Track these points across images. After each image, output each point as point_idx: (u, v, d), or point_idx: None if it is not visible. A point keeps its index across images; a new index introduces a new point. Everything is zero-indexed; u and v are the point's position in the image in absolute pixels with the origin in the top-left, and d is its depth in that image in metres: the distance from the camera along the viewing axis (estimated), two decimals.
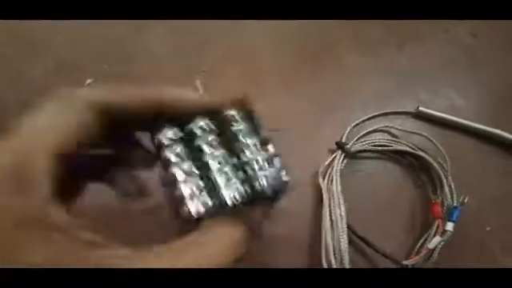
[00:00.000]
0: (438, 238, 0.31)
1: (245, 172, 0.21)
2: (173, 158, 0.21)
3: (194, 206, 0.20)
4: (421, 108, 0.38)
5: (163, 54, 0.44)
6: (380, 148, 0.37)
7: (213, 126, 0.22)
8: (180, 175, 0.21)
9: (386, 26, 0.46)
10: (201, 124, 0.22)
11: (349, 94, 0.41)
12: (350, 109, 0.39)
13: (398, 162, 0.37)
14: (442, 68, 0.43)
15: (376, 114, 0.39)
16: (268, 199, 0.22)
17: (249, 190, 0.21)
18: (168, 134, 0.22)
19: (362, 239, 0.32)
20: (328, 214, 0.32)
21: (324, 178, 0.35)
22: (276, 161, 0.22)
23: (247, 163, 0.22)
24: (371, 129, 0.38)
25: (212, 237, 0.19)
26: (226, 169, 0.22)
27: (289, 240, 0.34)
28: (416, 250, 0.32)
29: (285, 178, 0.22)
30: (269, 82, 0.42)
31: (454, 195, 0.33)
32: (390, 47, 0.44)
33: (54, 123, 0.18)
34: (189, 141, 0.22)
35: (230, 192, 0.21)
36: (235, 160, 0.22)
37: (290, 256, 0.33)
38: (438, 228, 0.32)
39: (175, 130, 0.22)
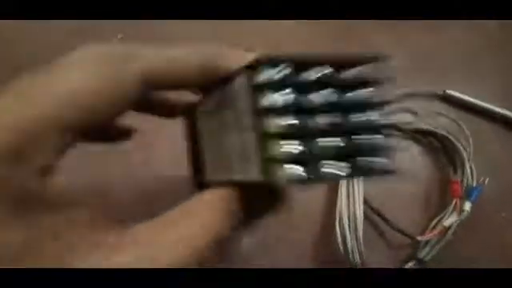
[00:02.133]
0: (454, 217, 0.31)
1: (352, 143, 0.17)
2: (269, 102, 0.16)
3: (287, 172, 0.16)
4: (448, 91, 0.38)
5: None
6: (402, 126, 0.37)
7: (329, 75, 0.18)
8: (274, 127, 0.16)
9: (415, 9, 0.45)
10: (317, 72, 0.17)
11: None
12: None
13: (419, 141, 0.37)
14: (469, 55, 0.42)
15: (400, 93, 0.39)
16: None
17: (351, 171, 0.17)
18: (274, 74, 0.16)
19: (378, 213, 0.33)
20: (345, 188, 0.33)
21: None
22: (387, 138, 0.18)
23: (359, 134, 0.18)
24: (394, 107, 0.38)
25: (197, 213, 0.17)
26: (331, 137, 0.17)
27: (304, 210, 0.34)
28: (431, 227, 0.32)
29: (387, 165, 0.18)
30: None
31: (475, 176, 0.33)
32: (419, 31, 0.44)
33: (84, 87, 0.15)
34: (296, 87, 0.17)
35: (328, 167, 0.17)
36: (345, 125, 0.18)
37: (305, 225, 0.34)
38: (455, 207, 0.32)
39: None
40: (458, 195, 0.32)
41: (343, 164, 0.17)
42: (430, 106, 0.38)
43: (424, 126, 0.36)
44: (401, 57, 0.42)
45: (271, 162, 0.16)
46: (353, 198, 0.32)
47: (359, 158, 0.18)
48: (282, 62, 0.16)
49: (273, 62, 0.16)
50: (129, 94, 0.16)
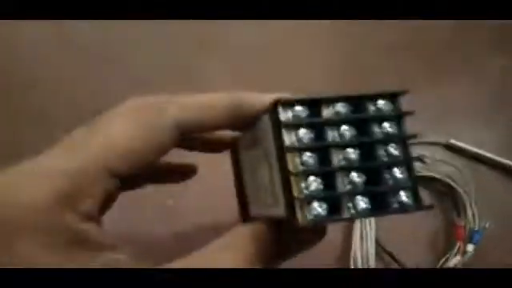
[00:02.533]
0: (458, 258, 0.35)
1: (375, 179, 0.18)
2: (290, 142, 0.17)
3: (309, 213, 0.16)
4: (451, 140, 0.42)
5: (223, 81, 0.51)
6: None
7: (348, 112, 0.18)
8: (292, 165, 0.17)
9: (419, 61, 0.50)
10: (337, 109, 0.18)
11: None
12: None
13: (426, 187, 0.41)
14: (472, 105, 0.46)
15: (410, 142, 0.43)
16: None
17: (373, 211, 0.17)
18: (294, 114, 0.17)
19: (388, 253, 0.36)
20: (359, 229, 0.37)
21: None
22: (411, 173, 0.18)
23: (382, 170, 0.18)
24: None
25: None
26: (354, 173, 0.17)
27: (320, 251, 0.38)
28: (437, 267, 0.36)
29: (413, 202, 0.18)
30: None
31: (477, 220, 0.36)
32: (426, 82, 0.48)
33: (128, 136, 0.18)
34: (316, 125, 0.17)
35: (351, 202, 0.17)
36: (367, 162, 0.18)
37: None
38: (459, 249, 0.35)
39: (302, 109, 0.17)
40: (461, 238, 0.36)
41: (366, 201, 0.17)
42: (435, 153, 0.42)
43: (430, 172, 0.40)
44: (409, 108, 0.46)
45: (295, 200, 0.16)
46: (366, 240, 0.36)
47: (384, 195, 0.18)
48: (301, 102, 0.17)
49: (292, 103, 0.17)
50: (166, 139, 0.18)
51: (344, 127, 0.18)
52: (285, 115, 0.17)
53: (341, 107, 0.18)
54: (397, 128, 0.18)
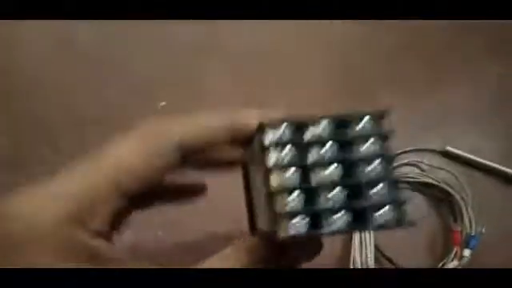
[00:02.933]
0: (455, 263, 0.36)
1: (358, 196, 0.18)
2: (273, 161, 0.18)
3: (288, 228, 0.17)
4: (448, 147, 0.43)
5: (225, 81, 0.52)
6: (409, 179, 0.42)
7: (332, 131, 0.19)
8: (277, 182, 0.18)
9: (419, 70, 0.51)
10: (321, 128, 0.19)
11: None
12: None
13: (424, 193, 0.42)
14: (469, 112, 0.47)
15: (406, 149, 0.44)
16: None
17: (355, 225, 0.18)
18: (277, 135, 0.18)
19: (387, 258, 0.37)
20: (358, 234, 0.38)
21: None
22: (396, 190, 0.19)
23: (364, 187, 0.19)
24: (402, 162, 0.43)
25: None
26: (336, 191, 0.18)
27: (320, 256, 0.39)
28: None
29: (399, 217, 0.19)
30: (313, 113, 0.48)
31: (473, 226, 0.37)
32: (425, 89, 0.50)
33: (135, 156, 0.20)
34: (299, 145, 0.19)
35: (332, 222, 0.18)
36: (350, 179, 0.18)
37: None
38: (456, 254, 0.36)
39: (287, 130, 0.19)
40: (457, 243, 0.37)
41: (347, 217, 0.18)
42: (433, 160, 0.43)
43: (427, 179, 0.41)
44: (406, 116, 0.47)
45: (277, 216, 0.17)
46: (365, 245, 0.37)
47: (366, 211, 0.18)
48: (286, 123, 0.18)
49: (277, 124, 0.18)
50: (170, 159, 0.20)
51: (327, 146, 0.19)
52: (270, 136, 0.18)
53: (325, 127, 0.19)
54: (380, 146, 0.19)
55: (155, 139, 0.20)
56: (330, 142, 0.19)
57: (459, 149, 0.43)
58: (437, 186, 0.41)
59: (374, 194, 0.19)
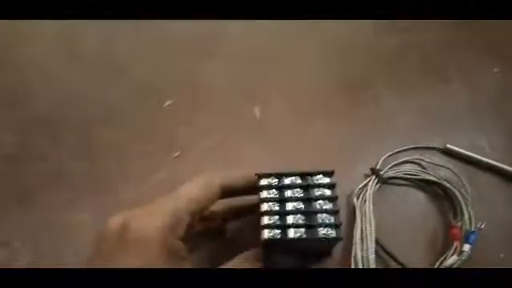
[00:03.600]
0: (454, 258, 0.36)
1: (311, 220, 0.32)
2: (263, 195, 0.33)
3: (267, 234, 0.32)
4: (448, 145, 0.44)
5: (225, 82, 0.53)
6: (410, 176, 0.43)
7: (301, 182, 0.34)
8: (265, 208, 0.33)
9: (418, 70, 0.52)
10: (292, 180, 0.35)
11: (385, 127, 0.47)
12: (385, 141, 0.46)
13: (425, 190, 0.42)
14: (468, 111, 0.48)
15: (408, 147, 0.45)
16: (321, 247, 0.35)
17: (309, 235, 0.32)
18: (268, 181, 0.34)
19: (388, 253, 0.38)
20: (360, 229, 0.38)
21: (358, 199, 0.41)
22: (337, 218, 0.33)
23: (316, 213, 0.33)
24: (403, 159, 0.44)
25: None
26: (299, 215, 0.33)
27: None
28: (435, 266, 0.37)
29: (337, 235, 0.32)
30: (314, 112, 0.49)
31: (473, 221, 0.38)
32: (424, 89, 0.51)
33: (192, 199, 0.32)
34: (281, 188, 0.34)
35: (295, 232, 0.32)
36: (308, 208, 0.33)
37: (322, 264, 0.39)
38: (456, 249, 0.37)
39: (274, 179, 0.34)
40: (457, 238, 0.37)
41: (304, 231, 0.32)
42: (433, 158, 0.44)
43: (428, 176, 0.42)
44: (408, 114, 0.48)
45: (263, 227, 0.32)
46: (366, 240, 0.37)
47: (316, 228, 0.32)
48: (273, 175, 0.34)
49: (267, 175, 0.34)
50: (215, 197, 0.34)
51: (297, 190, 0.34)
52: (263, 182, 0.34)
53: (295, 177, 0.35)
54: (329, 191, 0.34)
55: (211, 186, 0.33)
56: (298, 187, 0.34)
57: (459, 146, 0.44)
58: (437, 182, 0.41)
59: (323, 218, 0.33)
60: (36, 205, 0.43)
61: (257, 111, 0.50)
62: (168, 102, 0.51)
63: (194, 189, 0.32)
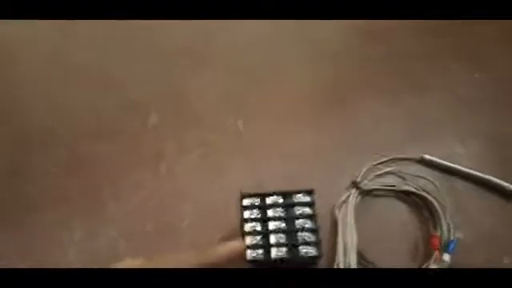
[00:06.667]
0: (435, 267, 0.37)
1: (293, 239, 0.34)
2: (246, 215, 0.35)
3: (250, 255, 0.33)
4: (425, 156, 0.45)
5: (209, 97, 0.53)
6: (389, 188, 0.43)
7: (282, 201, 0.36)
8: (248, 228, 0.35)
9: (397, 78, 0.54)
10: (274, 200, 0.36)
11: (365, 138, 0.48)
12: (366, 152, 0.46)
13: (405, 200, 0.43)
14: (447, 117, 0.50)
15: (387, 159, 0.46)
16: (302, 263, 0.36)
17: (291, 255, 0.33)
18: (251, 201, 0.36)
19: (370, 264, 0.38)
20: (342, 241, 0.39)
21: (340, 211, 0.41)
22: (317, 236, 0.34)
23: (297, 232, 0.34)
24: (382, 171, 0.45)
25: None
26: (280, 235, 0.34)
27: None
28: None
29: (318, 253, 0.33)
30: (296, 124, 0.50)
31: (451, 230, 0.39)
32: (402, 97, 0.52)
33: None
34: (264, 208, 0.36)
35: (277, 252, 0.34)
36: (290, 227, 0.35)
37: None
38: (436, 258, 0.38)
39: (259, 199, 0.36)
40: (436, 248, 0.38)
41: (286, 251, 0.34)
42: (410, 168, 0.45)
43: (407, 187, 0.43)
44: (387, 124, 0.49)
45: (246, 247, 0.34)
46: (348, 252, 0.38)
47: (298, 247, 0.34)
48: (256, 195, 0.36)
49: (250, 195, 0.36)
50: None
51: (278, 209, 0.36)
52: (246, 202, 0.36)
53: (277, 197, 0.36)
54: (310, 210, 0.36)
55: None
56: (280, 207, 0.36)
57: (436, 156, 0.45)
58: (416, 193, 0.42)
59: (303, 236, 0.34)
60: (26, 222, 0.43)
61: (240, 125, 0.50)
62: (154, 118, 0.52)
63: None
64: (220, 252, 0.32)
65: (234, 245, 0.33)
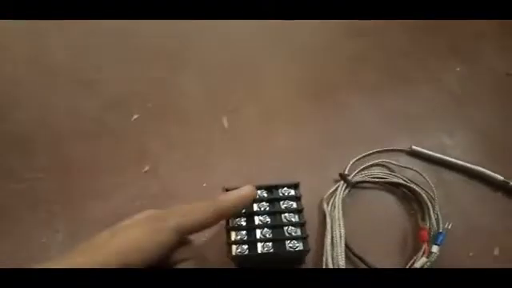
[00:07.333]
0: (424, 259, 0.36)
1: (279, 233, 0.33)
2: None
3: (235, 251, 0.32)
4: (413, 147, 0.44)
5: (196, 93, 0.52)
6: (377, 180, 0.43)
7: (267, 195, 0.35)
8: (232, 223, 0.33)
9: (382, 73, 0.53)
10: (259, 194, 0.35)
11: (351, 132, 0.47)
12: (353, 145, 0.46)
13: (393, 192, 0.42)
14: (433, 111, 0.49)
15: (375, 150, 0.45)
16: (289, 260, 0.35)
17: (277, 250, 0.32)
18: None
19: (358, 257, 0.38)
20: (330, 235, 0.38)
21: (328, 204, 0.40)
22: (304, 230, 0.33)
23: (283, 227, 0.33)
24: (370, 163, 0.44)
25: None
26: (266, 229, 0.33)
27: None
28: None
29: (305, 248, 0.32)
30: (281, 120, 0.49)
31: (440, 222, 0.38)
32: (388, 91, 0.51)
33: (141, 242, 0.25)
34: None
35: (263, 247, 0.32)
36: (275, 222, 0.34)
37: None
38: (424, 251, 0.37)
39: None
40: (425, 240, 0.37)
41: (271, 245, 0.32)
42: (400, 160, 0.44)
43: (396, 178, 0.42)
44: (373, 117, 0.49)
45: (230, 243, 0.33)
46: (336, 245, 0.37)
47: (284, 242, 0.33)
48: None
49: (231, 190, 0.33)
50: (168, 240, 0.26)
51: (263, 203, 0.35)
52: None
53: (262, 191, 0.35)
54: (295, 203, 0.35)
55: (156, 224, 0.27)
56: (265, 202, 0.35)
57: (425, 147, 0.44)
58: (404, 184, 0.42)
59: (290, 231, 0.33)
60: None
61: (225, 121, 0.49)
62: (135, 116, 0.50)
63: (134, 233, 0.26)
64: (231, 197, 0.32)
65: (245, 189, 0.33)
